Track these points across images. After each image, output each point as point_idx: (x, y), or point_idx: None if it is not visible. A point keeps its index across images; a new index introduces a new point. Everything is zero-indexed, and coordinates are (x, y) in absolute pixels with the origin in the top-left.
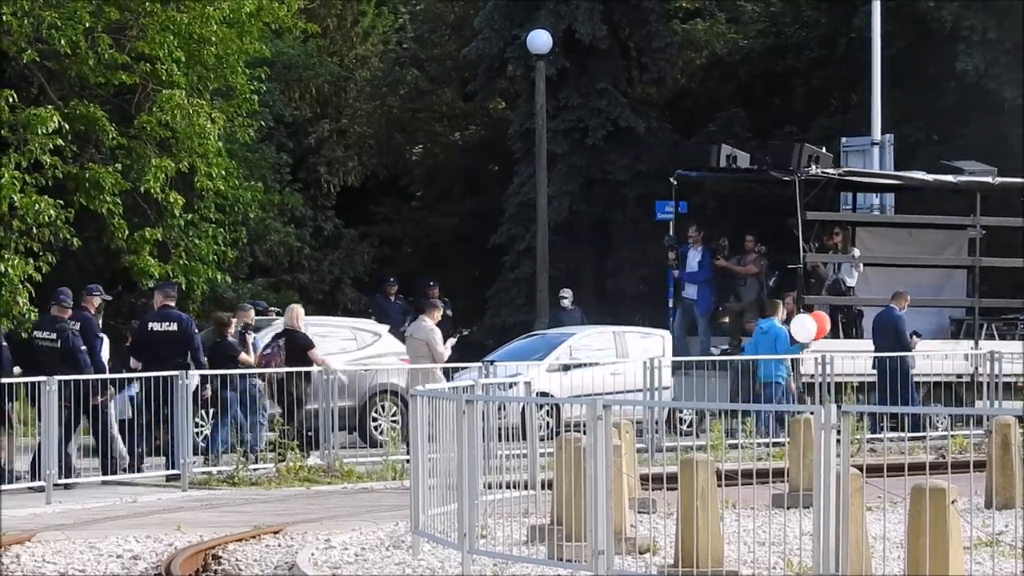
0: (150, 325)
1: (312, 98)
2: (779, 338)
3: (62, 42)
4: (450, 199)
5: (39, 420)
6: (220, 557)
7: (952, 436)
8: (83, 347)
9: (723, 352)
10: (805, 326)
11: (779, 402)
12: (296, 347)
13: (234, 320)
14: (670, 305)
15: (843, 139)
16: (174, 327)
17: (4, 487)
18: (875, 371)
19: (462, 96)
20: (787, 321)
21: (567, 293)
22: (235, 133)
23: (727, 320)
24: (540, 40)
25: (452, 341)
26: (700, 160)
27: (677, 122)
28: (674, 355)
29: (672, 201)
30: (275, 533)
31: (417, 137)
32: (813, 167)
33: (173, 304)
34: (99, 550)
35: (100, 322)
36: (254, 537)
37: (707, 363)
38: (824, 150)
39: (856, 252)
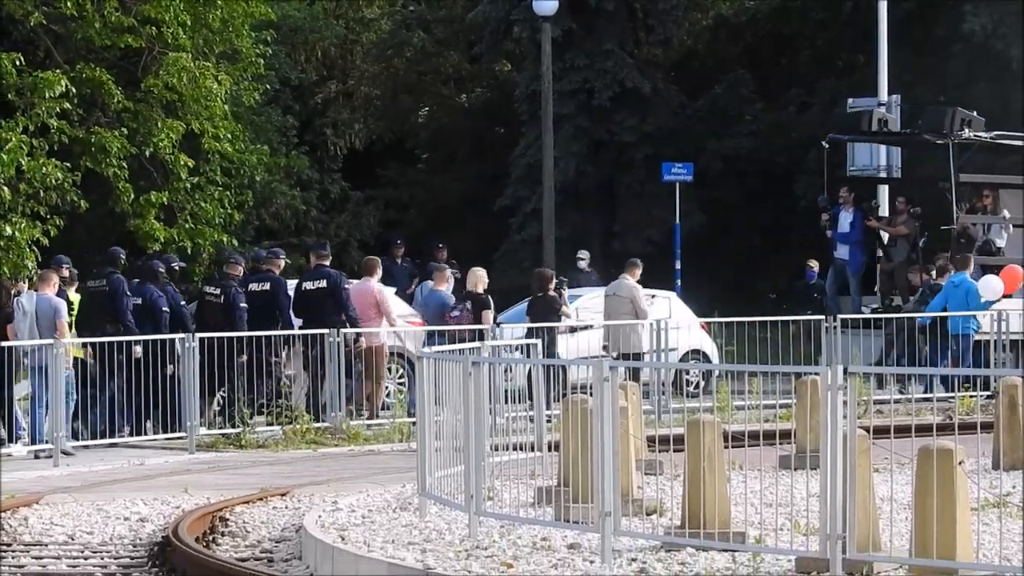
0: (303, 284)
1: (318, 61)
2: (970, 292)
3: (68, 4)
4: (456, 162)
5: (47, 383)
6: (227, 519)
7: (959, 397)
8: (243, 304)
9: (873, 311)
10: (992, 286)
11: (967, 355)
12: (479, 309)
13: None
14: (677, 267)
15: (850, 100)
16: (323, 284)
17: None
18: None
19: (468, 58)
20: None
21: (584, 255)
22: (241, 96)
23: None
24: (546, 2)
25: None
26: (852, 124)
27: (683, 83)
28: (826, 314)
29: (679, 163)
30: (282, 495)
31: (423, 99)
32: (966, 131)
33: (327, 263)
34: (106, 512)
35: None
36: (261, 499)
37: (861, 321)
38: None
39: (1006, 213)
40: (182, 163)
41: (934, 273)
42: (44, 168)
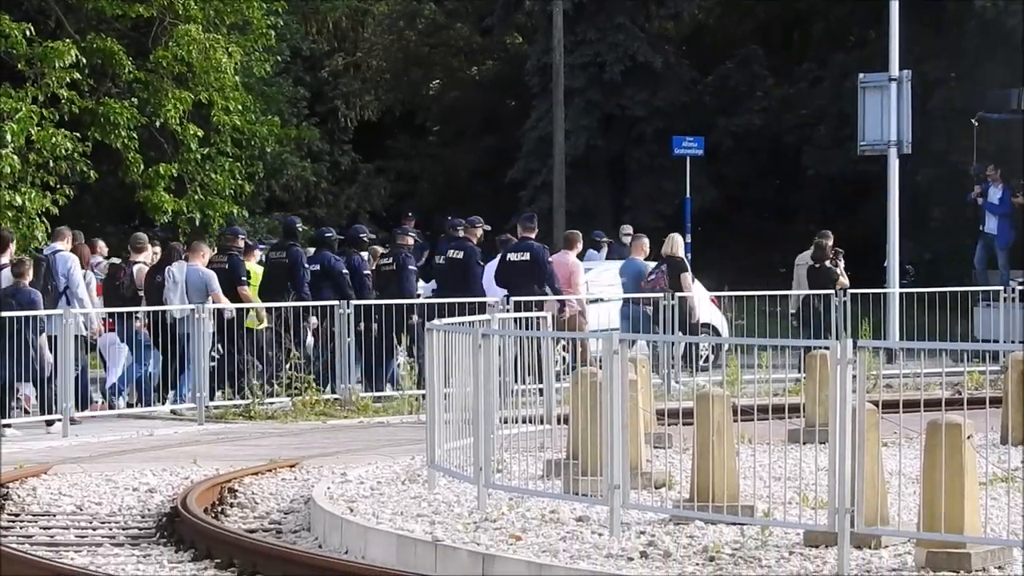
0: (508, 255)
1: (329, 32)
2: None
3: None
4: (466, 134)
5: (56, 352)
6: (236, 490)
7: (968, 372)
8: (412, 267)
9: (1021, 283)
10: None
11: None
12: (675, 273)
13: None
14: (687, 241)
15: (860, 75)
16: (526, 256)
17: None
18: None
19: (479, 31)
20: None
21: (628, 229)
22: (252, 67)
23: None
24: None
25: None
26: (1001, 102)
27: (694, 58)
28: (975, 287)
29: (689, 137)
30: (291, 467)
31: (434, 72)
32: None
33: (532, 236)
34: (115, 483)
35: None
36: (270, 471)
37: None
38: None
39: None
40: (192, 134)
41: None
42: (54, 138)
